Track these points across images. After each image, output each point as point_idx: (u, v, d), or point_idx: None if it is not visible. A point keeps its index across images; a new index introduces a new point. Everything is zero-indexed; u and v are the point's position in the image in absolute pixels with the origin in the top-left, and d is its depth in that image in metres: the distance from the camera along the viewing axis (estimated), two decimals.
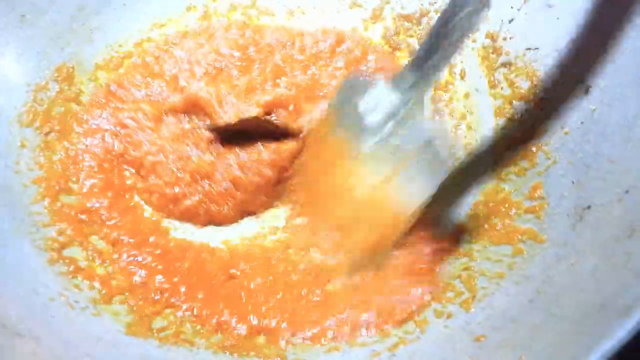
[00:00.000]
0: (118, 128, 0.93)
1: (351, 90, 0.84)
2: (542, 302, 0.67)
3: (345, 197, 0.83)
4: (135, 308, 0.77)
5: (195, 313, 0.77)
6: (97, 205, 0.87)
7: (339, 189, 0.84)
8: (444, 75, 0.99)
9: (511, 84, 0.93)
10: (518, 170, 0.85)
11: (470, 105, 0.97)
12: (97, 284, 0.78)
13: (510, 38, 0.95)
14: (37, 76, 0.93)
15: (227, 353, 0.73)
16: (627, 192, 0.69)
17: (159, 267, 0.82)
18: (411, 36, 1.06)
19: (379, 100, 0.80)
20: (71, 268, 0.78)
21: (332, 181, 0.85)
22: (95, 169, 0.90)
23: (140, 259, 0.82)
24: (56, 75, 0.94)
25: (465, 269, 0.79)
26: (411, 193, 0.78)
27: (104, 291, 0.78)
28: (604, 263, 0.64)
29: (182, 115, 0.93)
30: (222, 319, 0.77)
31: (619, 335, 0.54)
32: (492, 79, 0.96)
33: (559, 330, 0.61)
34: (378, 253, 0.82)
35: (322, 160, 0.87)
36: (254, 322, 0.77)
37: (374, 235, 0.82)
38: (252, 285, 0.81)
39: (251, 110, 0.89)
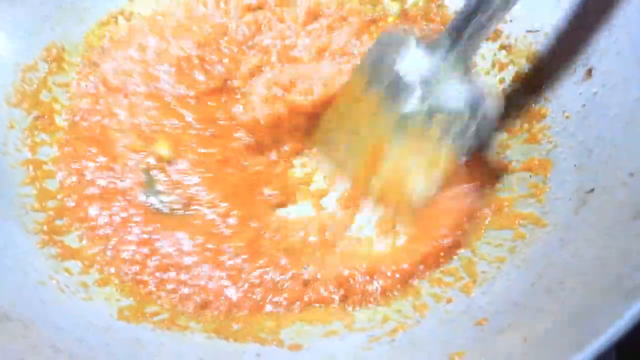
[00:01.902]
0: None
1: (387, 48, 0.81)
2: (545, 286, 0.65)
3: (383, 156, 0.82)
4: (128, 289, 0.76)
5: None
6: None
7: (377, 149, 0.82)
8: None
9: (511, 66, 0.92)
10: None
11: None
12: (88, 267, 0.77)
13: (510, 20, 0.93)
14: (26, 56, 0.91)
15: (222, 338, 0.71)
16: (631, 174, 0.67)
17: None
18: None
19: (417, 61, 0.77)
20: (62, 251, 0.76)
21: (369, 140, 0.83)
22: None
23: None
24: (45, 55, 0.92)
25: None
26: (450, 153, 0.78)
27: (96, 275, 0.76)
28: (608, 246, 0.63)
29: None
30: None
31: (626, 317, 0.53)
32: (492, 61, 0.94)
33: (562, 314, 0.60)
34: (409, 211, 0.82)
35: (354, 120, 0.84)
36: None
37: (409, 195, 0.81)
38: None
39: None
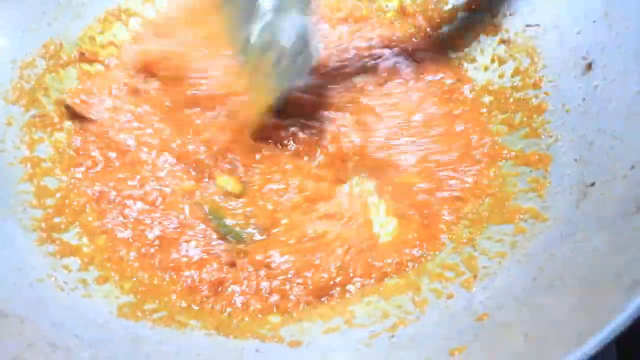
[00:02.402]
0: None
1: None
2: (546, 280, 0.65)
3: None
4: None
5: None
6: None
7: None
8: None
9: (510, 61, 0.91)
10: (518, 149, 0.84)
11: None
12: (87, 264, 0.76)
13: (509, 14, 0.93)
14: (24, 52, 0.90)
15: (222, 335, 0.71)
16: (632, 167, 0.67)
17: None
18: None
19: None
20: (61, 248, 0.76)
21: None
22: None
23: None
24: (43, 51, 0.92)
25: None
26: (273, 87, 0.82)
27: (95, 272, 0.75)
28: (610, 239, 0.63)
29: None
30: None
31: (628, 310, 0.52)
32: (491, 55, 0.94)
33: (564, 308, 0.59)
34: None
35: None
36: None
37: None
38: None
39: None
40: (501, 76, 0.92)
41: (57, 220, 0.79)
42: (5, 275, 0.68)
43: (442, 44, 0.99)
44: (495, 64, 0.93)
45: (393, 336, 0.69)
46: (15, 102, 0.86)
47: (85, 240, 0.79)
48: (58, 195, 0.82)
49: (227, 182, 0.84)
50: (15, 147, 0.83)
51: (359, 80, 0.94)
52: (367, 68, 0.96)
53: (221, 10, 0.86)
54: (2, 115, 0.85)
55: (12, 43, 0.90)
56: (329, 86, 0.93)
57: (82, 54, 0.95)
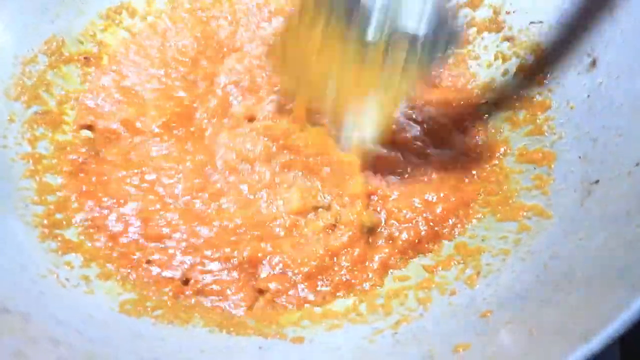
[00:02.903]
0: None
1: None
2: (551, 278, 0.64)
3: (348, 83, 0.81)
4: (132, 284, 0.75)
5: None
6: None
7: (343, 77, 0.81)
8: None
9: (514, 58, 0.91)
10: (522, 146, 0.83)
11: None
12: (89, 260, 0.76)
13: (513, 12, 0.93)
14: (26, 49, 0.90)
15: (224, 332, 0.70)
16: (637, 164, 0.67)
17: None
18: None
19: None
20: (62, 244, 0.76)
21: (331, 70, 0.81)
22: None
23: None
24: (45, 48, 0.92)
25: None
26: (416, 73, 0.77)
27: (97, 269, 0.75)
28: (614, 237, 0.62)
29: None
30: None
31: (632, 308, 0.52)
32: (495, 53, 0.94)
33: (569, 305, 0.59)
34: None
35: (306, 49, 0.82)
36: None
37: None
38: None
39: None
40: (505, 74, 0.92)
41: (58, 216, 0.79)
42: (7, 272, 0.68)
43: None
44: (499, 61, 0.93)
45: (396, 333, 0.68)
46: (17, 99, 0.86)
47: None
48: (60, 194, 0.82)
49: None
50: (17, 144, 0.83)
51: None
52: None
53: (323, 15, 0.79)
54: (4, 112, 0.84)
55: (13, 39, 0.89)
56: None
57: (86, 58, 0.95)
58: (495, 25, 0.95)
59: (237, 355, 0.67)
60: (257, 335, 0.70)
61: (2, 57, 0.88)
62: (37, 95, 0.88)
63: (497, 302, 0.66)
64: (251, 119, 0.89)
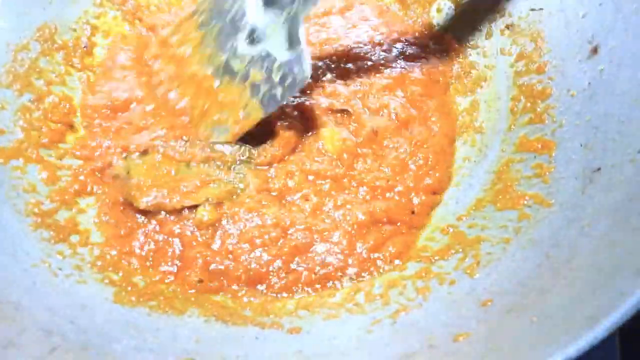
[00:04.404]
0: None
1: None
2: (552, 266, 0.63)
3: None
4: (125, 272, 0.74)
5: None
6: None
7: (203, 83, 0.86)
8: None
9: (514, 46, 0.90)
10: (522, 135, 0.82)
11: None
12: (84, 250, 0.75)
13: None
14: (18, 36, 0.89)
15: (220, 321, 0.69)
16: (639, 151, 0.66)
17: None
18: None
19: (257, 8, 0.82)
20: (55, 233, 0.75)
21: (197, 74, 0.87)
22: None
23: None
24: (38, 35, 0.90)
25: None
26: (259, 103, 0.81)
27: (92, 259, 0.74)
28: (617, 224, 0.61)
29: None
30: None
31: (636, 295, 0.51)
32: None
33: (571, 293, 0.58)
34: None
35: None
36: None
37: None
38: None
39: None
40: (505, 61, 0.90)
41: (51, 205, 0.78)
42: None
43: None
44: (499, 49, 0.92)
45: (395, 323, 0.67)
46: (8, 86, 0.84)
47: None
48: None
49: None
50: (9, 132, 0.81)
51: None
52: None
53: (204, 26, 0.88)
54: None
55: (5, 26, 0.88)
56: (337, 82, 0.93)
57: (84, 47, 0.94)
58: (495, 12, 0.94)
59: (234, 345, 0.66)
60: (253, 325, 0.69)
61: None
62: (29, 82, 0.86)
63: (498, 291, 0.65)
64: None
